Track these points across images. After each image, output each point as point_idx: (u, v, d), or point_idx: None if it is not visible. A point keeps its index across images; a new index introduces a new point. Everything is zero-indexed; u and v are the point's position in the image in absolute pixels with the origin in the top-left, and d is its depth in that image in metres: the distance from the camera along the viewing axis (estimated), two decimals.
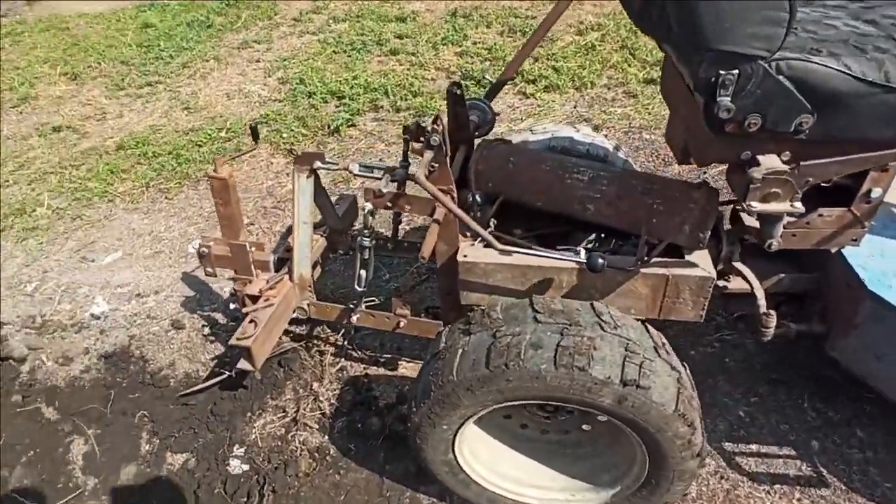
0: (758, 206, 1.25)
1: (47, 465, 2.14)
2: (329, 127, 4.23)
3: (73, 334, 2.65)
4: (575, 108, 4.25)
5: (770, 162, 1.22)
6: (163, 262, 3.07)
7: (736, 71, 1.09)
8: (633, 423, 1.34)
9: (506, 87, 4.72)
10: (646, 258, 1.57)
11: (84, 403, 2.30)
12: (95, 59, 5.87)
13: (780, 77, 1.10)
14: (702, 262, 1.60)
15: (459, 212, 1.50)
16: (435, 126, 1.53)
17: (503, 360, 1.31)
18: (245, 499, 1.96)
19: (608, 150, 2.17)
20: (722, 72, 1.09)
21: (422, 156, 1.53)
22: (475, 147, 1.90)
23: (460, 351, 1.41)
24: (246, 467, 2.05)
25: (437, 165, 1.56)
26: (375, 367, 2.36)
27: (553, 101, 4.33)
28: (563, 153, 2.12)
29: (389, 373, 2.33)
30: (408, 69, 5.06)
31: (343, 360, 2.39)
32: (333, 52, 5.58)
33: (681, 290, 1.61)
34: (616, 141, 2.32)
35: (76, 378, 2.46)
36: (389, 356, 2.39)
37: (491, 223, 1.79)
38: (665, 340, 1.49)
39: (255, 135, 2.15)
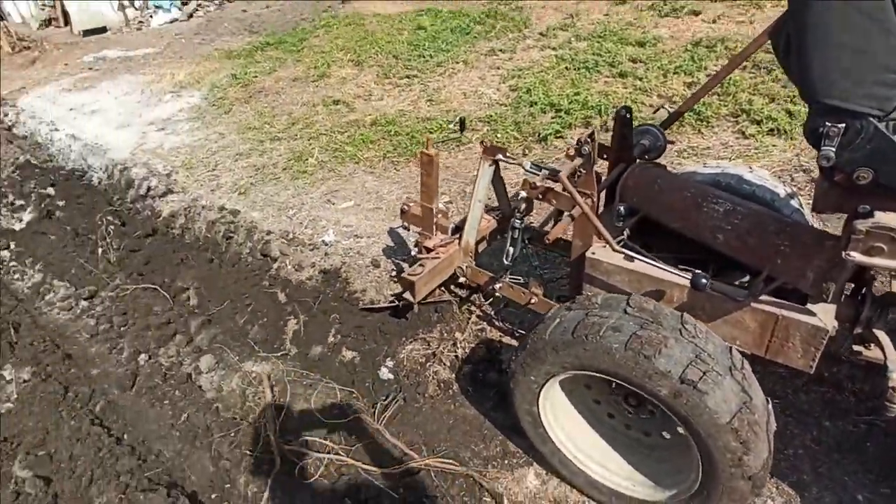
0: (857, 256, 1.31)
1: (271, 330, 3.05)
2: (539, 135, 4.69)
3: (307, 251, 3.60)
4: (797, 156, 3.96)
5: (882, 218, 1.27)
6: (380, 215, 3.90)
7: (843, 124, 1.20)
8: (686, 422, 1.51)
9: (724, 123, 4.63)
10: (759, 294, 1.66)
11: (303, 297, 3.18)
12: (376, 51, 7.28)
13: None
14: (822, 313, 1.63)
15: (589, 211, 1.81)
16: (588, 139, 1.86)
17: (585, 332, 1.60)
18: (384, 398, 2.55)
19: (777, 196, 2.19)
20: (828, 123, 1.21)
21: (571, 161, 1.87)
22: (632, 167, 2.14)
23: (558, 320, 1.74)
24: (391, 376, 2.65)
25: (583, 172, 1.89)
26: (509, 338, 2.76)
27: (773, 146, 4.10)
28: (727, 189, 2.22)
29: (516, 345, 2.70)
30: (630, 92, 5.22)
31: (485, 324, 2.84)
32: (566, 68, 6.00)
33: (790, 335, 1.66)
34: (794, 189, 2.27)
35: (302, 281, 3.37)
36: (522, 332, 2.76)
37: (625, 233, 2.03)
38: (748, 369, 1.58)
39: (461, 126, 2.72)
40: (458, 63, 6.61)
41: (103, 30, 11.83)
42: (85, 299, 3.52)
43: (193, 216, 4.22)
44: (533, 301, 2.33)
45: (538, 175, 2.15)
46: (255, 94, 6.51)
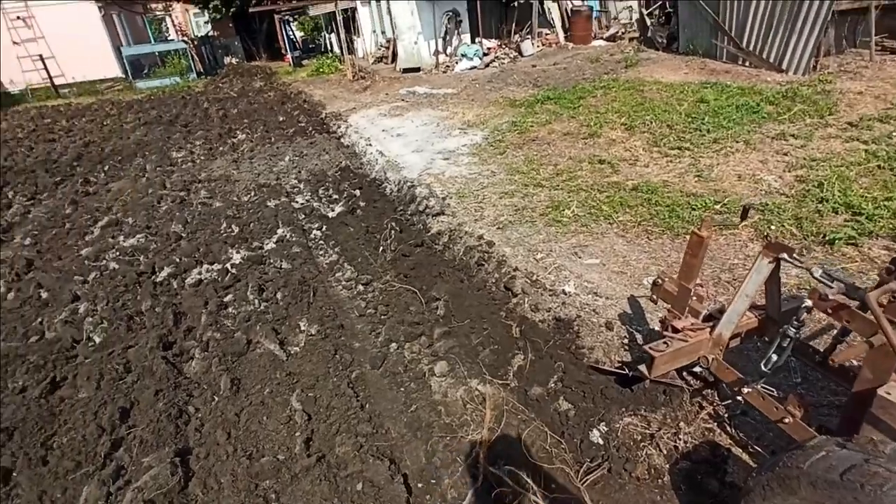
0: None
1: (500, 358, 3.31)
2: (824, 237, 4.12)
3: (547, 295, 3.80)
4: None
5: None
6: (622, 280, 3.91)
7: None
8: None
9: None
10: None
11: (534, 336, 3.38)
12: (650, 118, 7.28)
13: None
14: None
15: None
16: None
17: (861, 479, 1.41)
18: (589, 460, 2.56)
19: None
20: None
21: (887, 282, 1.67)
22: None
23: (824, 453, 1.55)
24: (601, 441, 2.64)
25: None
26: (738, 449, 2.50)
27: None
28: None
29: (748, 461, 2.43)
30: None
31: (715, 425, 2.63)
32: (878, 166, 5.16)
33: None
34: None
35: (536, 322, 3.58)
36: (755, 451, 2.48)
37: None
38: None
39: (744, 215, 2.60)
40: (737, 142, 6.21)
41: (417, 69, 14.31)
42: (362, 284, 4.33)
43: (455, 238, 4.82)
44: (786, 420, 2.09)
45: (830, 286, 1.96)
46: (528, 142, 7.11)
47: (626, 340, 3.28)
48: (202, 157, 8.69)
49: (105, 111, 14.69)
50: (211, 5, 25.56)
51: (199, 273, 4.79)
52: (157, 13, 28.48)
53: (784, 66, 9.23)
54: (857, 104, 7.14)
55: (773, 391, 2.31)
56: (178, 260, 5.01)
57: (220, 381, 3.32)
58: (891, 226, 4.13)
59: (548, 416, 2.84)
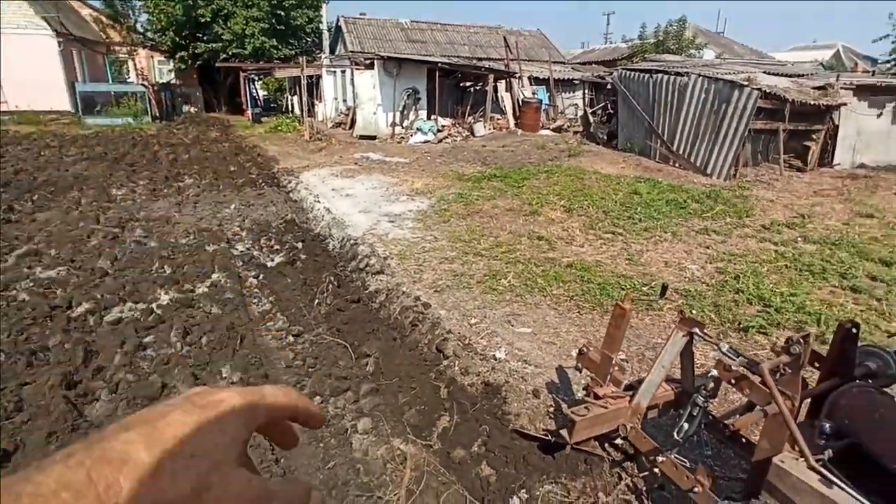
0: None
1: (425, 419, 3.25)
2: (739, 324, 4.42)
3: (477, 359, 3.82)
4: None
5: None
6: (552, 350, 4.00)
7: None
8: None
9: None
10: None
11: (462, 399, 3.36)
12: (587, 203, 7.76)
13: None
14: None
15: (788, 415, 1.70)
16: (801, 340, 1.80)
17: None
18: None
19: None
20: None
21: (777, 356, 1.82)
22: (849, 385, 1.96)
23: None
24: None
25: (788, 371, 1.81)
26: None
27: None
28: None
29: None
30: (862, 310, 4.69)
31: (632, 497, 2.65)
32: (785, 265, 5.67)
33: None
34: None
35: (465, 385, 3.57)
36: None
37: (826, 454, 1.83)
38: None
39: (663, 292, 2.78)
40: (665, 233, 6.70)
41: (374, 137, 14.77)
42: (293, 336, 4.21)
43: (392, 298, 4.82)
44: (696, 490, 2.15)
45: (734, 360, 2.10)
46: (472, 213, 7.38)
47: (551, 408, 3.31)
48: (143, 197, 8.42)
49: (45, 142, 14.11)
50: (178, 56, 25.73)
51: (121, 311, 4.51)
52: (121, 55, 28.36)
53: (709, 171, 10.20)
54: (769, 210, 7.94)
55: (686, 462, 2.38)
56: (99, 296, 4.71)
57: None
58: (795, 319, 4.50)
59: (469, 481, 2.77)
